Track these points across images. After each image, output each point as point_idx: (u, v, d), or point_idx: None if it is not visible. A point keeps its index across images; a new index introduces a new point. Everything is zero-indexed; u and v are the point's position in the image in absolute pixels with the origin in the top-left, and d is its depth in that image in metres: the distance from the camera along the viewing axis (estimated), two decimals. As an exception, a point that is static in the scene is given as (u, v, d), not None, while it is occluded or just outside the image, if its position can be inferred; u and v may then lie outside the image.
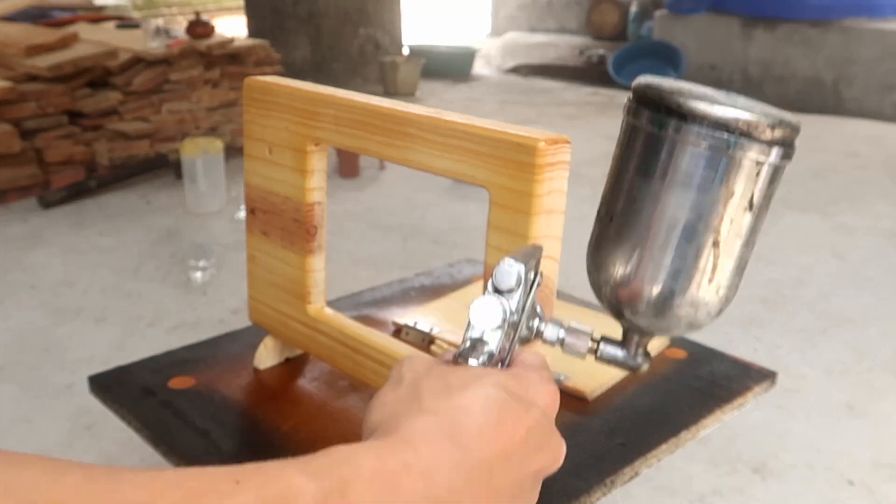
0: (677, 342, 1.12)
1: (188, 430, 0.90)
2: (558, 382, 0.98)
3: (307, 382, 1.00)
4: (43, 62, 3.62)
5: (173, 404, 0.95)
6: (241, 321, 2.49)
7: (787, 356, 2.40)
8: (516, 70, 7.40)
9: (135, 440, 1.93)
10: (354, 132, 0.83)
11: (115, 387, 0.99)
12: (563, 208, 0.71)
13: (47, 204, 3.47)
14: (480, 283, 1.26)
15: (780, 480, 1.87)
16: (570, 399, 0.97)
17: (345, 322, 0.93)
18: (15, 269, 2.88)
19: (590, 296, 1.38)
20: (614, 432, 0.92)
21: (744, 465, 1.91)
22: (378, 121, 0.80)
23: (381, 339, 0.90)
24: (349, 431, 0.89)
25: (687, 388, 1.02)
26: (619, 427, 0.93)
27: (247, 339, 1.09)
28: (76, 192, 3.56)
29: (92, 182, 3.62)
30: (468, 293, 1.23)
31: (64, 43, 3.82)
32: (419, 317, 1.14)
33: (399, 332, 1.11)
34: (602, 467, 0.85)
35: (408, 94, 5.74)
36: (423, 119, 0.76)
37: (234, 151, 4.03)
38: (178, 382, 0.99)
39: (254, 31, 6.04)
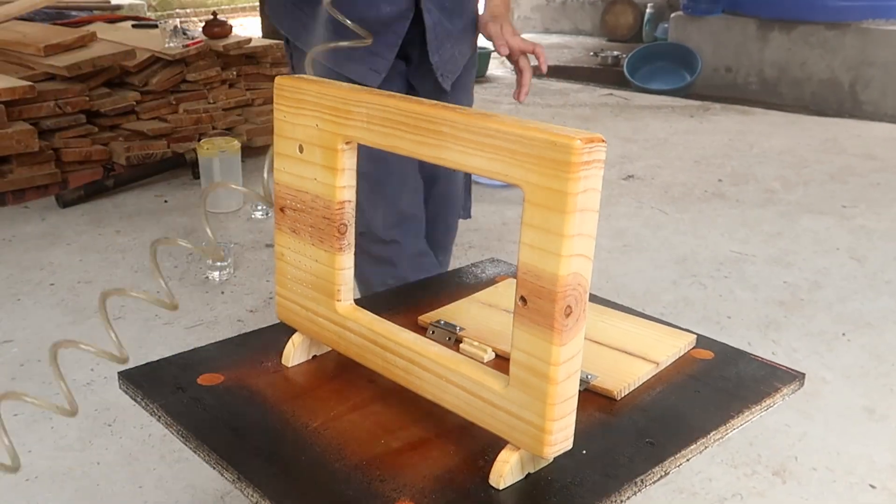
0: (704, 343, 1.12)
1: (218, 426, 0.90)
2: (586, 382, 0.98)
3: (335, 380, 0.99)
4: (61, 61, 3.65)
5: (203, 401, 0.95)
6: (259, 320, 2.50)
7: (804, 360, 2.39)
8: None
9: (154, 437, 1.94)
10: (386, 130, 0.83)
11: (144, 383, 0.99)
12: (597, 207, 0.71)
13: (65, 203, 3.49)
14: (506, 283, 1.26)
15: (800, 483, 1.86)
16: (598, 398, 0.97)
17: (374, 320, 0.93)
18: (34, 267, 2.90)
19: (614, 296, 1.37)
20: (643, 432, 0.91)
21: (764, 468, 1.91)
22: (411, 119, 0.80)
23: (412, 338, 0.89)
24: (379, 429, 0.89)
25: (714, 389, 1.00)
26: (648, 427, 0.92)
27: (274, 336, 1.09)
28: (94, 191, 3.58)
29: (109, 181, 3.64)
30: (494, 293, 1.23)
31: (82, 42, 3.84)
32: (446, 315, 1.14)
33: (425, 330, 1.11)
34: (632, 467, 0.84)
35: (422, 95, 5.74)
36: (458, 117, 0.76)
37: (250, 151, 4.04)
38: (206, 379, 0.99)
39: (269, 31, 6.06)
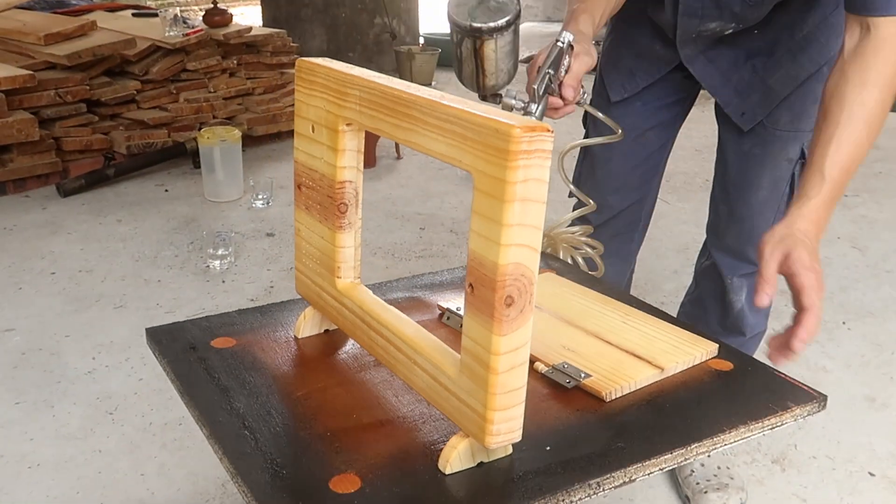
0: (726, 353, 1.07)
1: (210, 386, 0.94)
2: (577, 380, 0.96)
3: (337, 354, 1.02)
4: (61, 50, 3.64)
5: (207, 361, 1.00)
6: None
7: (805, 348, 2.39)
8: (532, 60, 7.37)
9: (156, 426, 1.95)
10: (373, 113, 0.84)
11: (164, 340, 1.05)
12: (542, 198, 0.69)
13: (66, 192, 3.49)
14: (542, 277, 1.26)
15: (800, 472, 1.86)
16: (587, 397, 0.95)
17: (367, 298, 0.94)
18: (35, 256, 2.90)
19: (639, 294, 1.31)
20: (619, 436, 0.87)
21: (763, 456, 1.91)
22: (390, 103, 0.81)
23: (392, 317, 0.90)
24: (356, 404, 0.91)
25: (717, 402, 0.96)
26: (626, 432, 0.88)
27: (297, 309, 1.13)
28: (94, 181, 3.58)
29: (110, 170, 3.64)
30: None
31: (82, 31, 3.84)
32: (462, 302, 1.13)
33: (442, 315, 1.12)
34: (591, 469, 0.81)
35: (424, 85, 5.73)
36: (423, 102, 0.76)
37: (250, 140, 4.04)
38: (220, 342, 1.04)
39: (269, 20, 6.04)
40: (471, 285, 0.73)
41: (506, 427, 0.76)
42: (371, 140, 3.89)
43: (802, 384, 1.01)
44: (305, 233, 1.01)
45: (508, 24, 1.33)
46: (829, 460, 1.90)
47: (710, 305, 1.76)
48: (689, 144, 4.50)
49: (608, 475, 0.81)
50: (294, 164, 1.00)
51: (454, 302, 1.14)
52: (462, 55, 1.37)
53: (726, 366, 1.04)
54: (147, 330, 1.06)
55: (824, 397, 0.98)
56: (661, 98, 1.66)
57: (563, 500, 0.78)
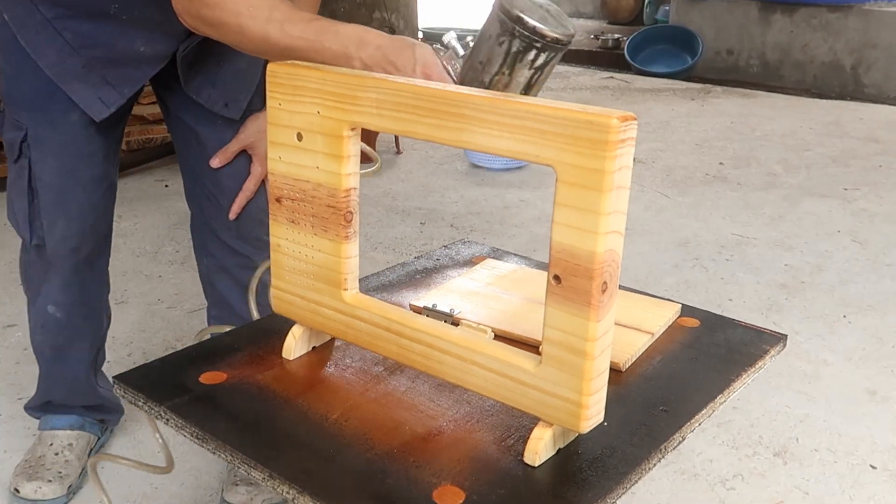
0: (688, 312, 1.15)
1: (235, 425, 0.87)
2: None
3: (341, 370, 0.98)
4: (61, 46, 3.63)
5: (212, 399, 0.92)
6: (261, 304, 2.50)
7: (806, 342, 2.40)
8: (531, 54, 7.35)
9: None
10: (400, 115, 0.81)
11: (145, 385, 0.94)
12: (629, 184, 0.71)
13: (66, 187, 3.48)
14: (486, 263, 1.27)
15: (801, 465, 1.86)
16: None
17: (387, 307, 0.91)
18: (36, 252, 2.90)
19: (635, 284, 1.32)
20: (654, 400, 0.93)
21: (765, 449, 1.91)
22: (428, 103, 0.79)
23: (430, 322, 0.88)
24: (398, 416, 0.89)
25: (709, 355, 1.04)
26: (658, 395, 0.94)
27: (264, 329, 1.07)
28: (95, 176, 3.58)
29: (110, 166, 3.64)
30: (477, 273, 1.22)
31: (81, 27, 3.83)
32: (436, 299, 1.13)
33: (418, 314, 1.12)
34: (653, 434, 0.86)
35: (423, 79, 5.73)
36: (482, 100, 0.75)
37: (250, 136, 4.03)
38: (209, 378, 0.96)
39: (269, 15, 6.03)
40: (556, 277, 0.74)
41: (596, 409, 0.78)
42: (371, 135, 3.88)
43: (765, 329, 1.11)
44: (290, 248, 0.95)
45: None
46: (830, 453, 1.91)
47: None
48: (689, 139, 4.51)
49: (669, 438, 0.86)
50: (270, 176, 0.93)
51: (424, 300, 1.13)
52: (513, 69, 0.93)
53: (694, 322, 1.13)
54: (115, 378, 0.97)
55: (785, 336, 1.10)
56: None
57: (645, 469, 0.82)
